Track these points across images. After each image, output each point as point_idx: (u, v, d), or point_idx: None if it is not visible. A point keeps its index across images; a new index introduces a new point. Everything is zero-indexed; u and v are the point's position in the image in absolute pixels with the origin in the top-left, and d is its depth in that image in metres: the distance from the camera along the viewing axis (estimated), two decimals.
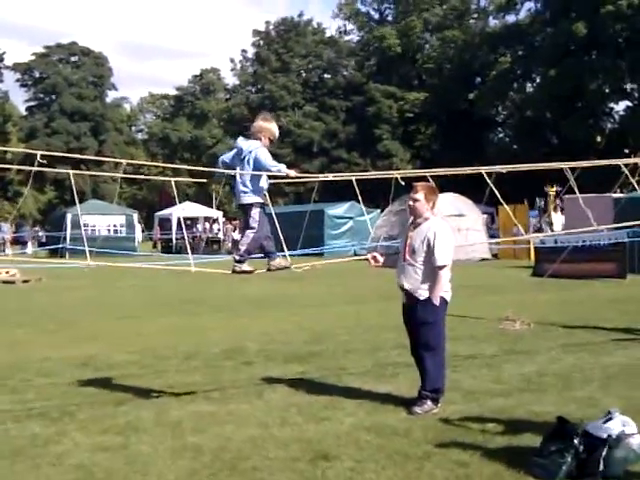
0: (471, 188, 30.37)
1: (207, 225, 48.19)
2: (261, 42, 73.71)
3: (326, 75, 72.89)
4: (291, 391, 7.85)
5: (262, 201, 7.36)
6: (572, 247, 18.32)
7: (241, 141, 7.47)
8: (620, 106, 55.25)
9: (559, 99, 49.95)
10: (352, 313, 14.32)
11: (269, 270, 7.54)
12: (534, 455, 5.32)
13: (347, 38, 73.69)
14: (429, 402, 6.99)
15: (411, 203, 7.15)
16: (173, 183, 7.45)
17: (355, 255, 29.67)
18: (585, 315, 12.95)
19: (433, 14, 64.55)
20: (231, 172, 7.40)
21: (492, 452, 5.68)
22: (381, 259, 7.57)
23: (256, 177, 7.27)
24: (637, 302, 14.55)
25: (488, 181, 7.87)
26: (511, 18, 59.24)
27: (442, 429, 6.35)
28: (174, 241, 43.98)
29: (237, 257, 7.40)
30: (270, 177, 7.41)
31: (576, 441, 5.09)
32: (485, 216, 32.95)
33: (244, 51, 76.62)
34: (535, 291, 17.22)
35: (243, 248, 7.35)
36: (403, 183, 7.87)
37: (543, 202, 34.59)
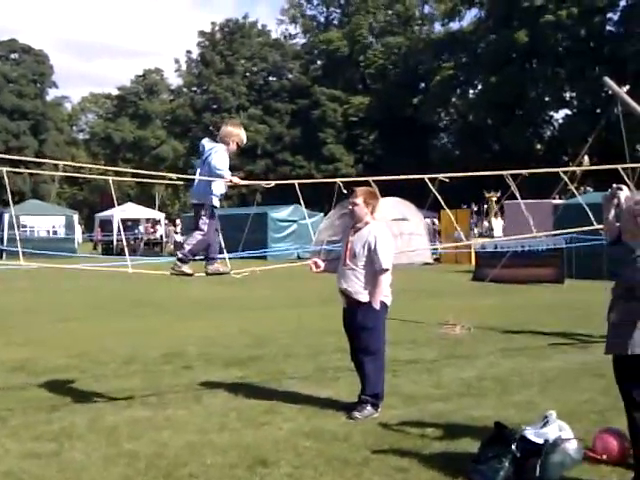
0: (413, 192, 30.64)
1: (149, 227, 47.66)
2: (206, 43, 73.27)
3: (271, 78, 72.77)
4: (231, 396, 7.76)
5: (215, 204, 7.26)
6: (512, 252, 18.55)
7: (206, 141, 7.38)
8: (560, 114, 56.37)
9: (500, 106, 50.72)
10: (294, 317, 14.26)
11: (207, 274, 7.44)
12: (472, 460, 5.33)
13: (293, 41, 73.79)
14: (369, 407, 6.97)
15: (351, 207, 7.16)
16: (111, 183, 7.26)
17: (299, 258, 29.66)
18: (524, 320, 13.10)
19: (378, 20, 64.96)
20: (188, 177, 7.37)
21: (431, 457, 5.68)
22: (322, 264, 7.55)
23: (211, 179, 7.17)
24: (574, 307, 14.78)
25: (431, 187, 7.90)
26: (455, 25, 60.01)
27: (382, 434, 6.33)
28: (115, 243, 43.38)
29: (180, 256, 7.27)
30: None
31: (513, 446, 5.11)
32: (428, 220, 33.23)
33: (189, 52, 76.13)
34: (475, 296, 17.39)
35: (188, 248, 7.23)
36: (345, 191, 7.86)
37: (485, 207, 35.08)
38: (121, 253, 37.61)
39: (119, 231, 42.33)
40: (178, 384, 8.34)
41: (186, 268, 7.24)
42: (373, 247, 6.98)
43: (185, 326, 13.13)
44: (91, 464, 5.65)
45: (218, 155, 7.11)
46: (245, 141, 7.47)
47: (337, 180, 7.87)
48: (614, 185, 5.48)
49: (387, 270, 7.03)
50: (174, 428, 6.58)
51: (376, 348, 7.11)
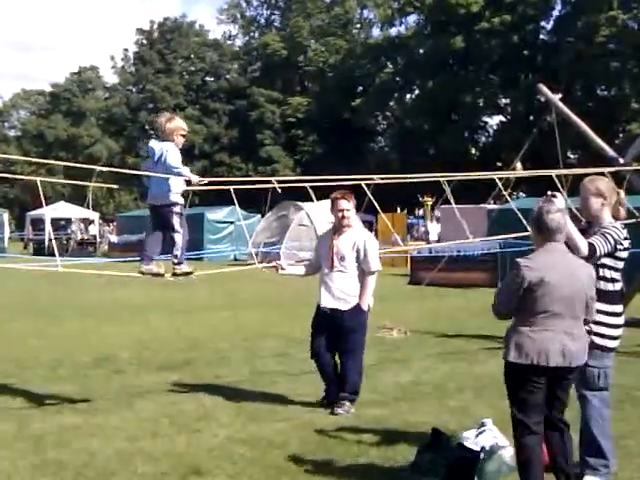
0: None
1: (82, 226, 46.77)
2: (144, 41, 72.35)
3: (209, 78, 72.24)
4: (163, 401, 7.58)
5: (181, 202, 7.16)
6: (447, 256, 18.69)
7: (153, 143, 7.26)
8: (494, 120, 57.26)
9: (437, 111, 51.30)
10: (230, 319, 14.11)
11: (174, 274, 7.34)
12: (410, 467, 5.29)
13: (231, 42, 73.38)
14: (348, 403, 7.20)
15: (346, 214, 7.28)
16: (39, 183, 7.01)
17: (235, 260, 29.44)
18: (459, 324, 13.20)
19: (318, 19, 65.05)
20: (141, 173, 7.27)
21: (368, 464, 5.62)
22: (286, 266, 7.88)
23: (171, 177, 7.04)
24: None
25: (367, 192, 7.86)
26: (393, 30, 60.47)
27: (319, 441, 6.24)
28: (47, 242, 42.43)
29: (175, 261, 7.20)
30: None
31: (450, 454, 5.09)
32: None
33: (125, 50, 75.05)
34: (412, 299, 17.47)
35: (179, 252, 7.15)
36: (280, 191, 7.77)
37: (421, 211, 35.38)
38: (52, 253, 36.89)
39: (52, 230, 41.41)
40: (109, 389, 8.13)
41: (185, 267, 7.24)
42: (363, 249, 7.21)
43: (117, 329, 12.85)
44: (17, 474, 5.44)
45: (171, 154, 7.02)
46: (186, 127, 7.39)
47: (272, 179, 7.76)
48: (549, 192, 5.51)
49: (376, 272, 7.31)
50: (104, 435, 6.38)
51: (359, 348, 7.36)
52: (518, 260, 4.80)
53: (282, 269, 7.67)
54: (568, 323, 4.70)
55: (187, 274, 7.26)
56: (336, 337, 7.35)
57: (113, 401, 7.60)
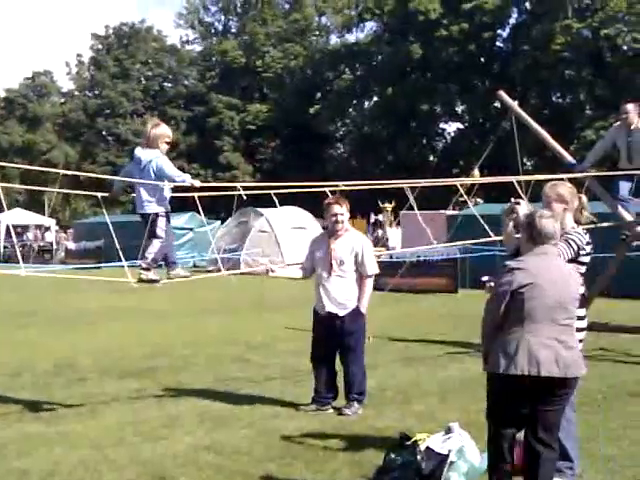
0: (310, 201, 30.75)
1: (38, 233, 46.13)
2: (99, 46, 71.63)
3: (167, 84, 71.76)
4: (127, 409, 7.53)
5: (167, 210, 7.27)
6: (409, 262, 18.79)
7: (139, 151, 7.31)
8: (452, 127, 57.74)
9: (395, 117, 51.54)
10: (192, 326, 14.02)
11: (169, 279, 7.47)
12: (377, 471, 5.31)
13: (190, 47, 72.99)
14: (356, 404, 7.35)
15: (339, 218, 7.37)
16: None
17: (195, 267, 29.24)
18: (421, 329, 13.27)
19: (277, 26, 65.01)
20: (133, 180, 7.24)
21: (335, 469, 5.63)
22: (275, 268, 8.32)
23: (159, 186, 7.11)
24: (469, 316, 15.00)
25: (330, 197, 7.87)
26: (352, 37, 60.70)
27: (284, 446, 6.24)
28: (1, 249, 41.76)
29: (144, 265, 7.24)
30: (176, 188, 7.32)
31: (419, 457, 5.12)
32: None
33: (79, 55, 74.14)
34: (375, 306, 17.39)
35: (150, 257, 7.23)
36: (245, 197, 7.78)
37: (380, 217, 35.51)
38: (8, 260, 36.30)
39: (6, 237, 40.83)
40: (71, 397, 8.03)
41: (152, 275, 7.26)
42: (361, 253, 7.33)
43: (77, 336, 12.71)
44: None
45: (163, 162, 7.12)
46: (171, 135, 7.50)
47: (237, 184, 7.75)
48: (512, 199, 5.59)
49: (373, 275, 7.43)
50: (67, 443, 6.31)
51: (360, 350, 7.55)
52: (508, 262, 4.74)
53: (272, 271, 7.97)
54: (559, 330, 4.59)
55: (153, 281, 7.25)
56: (337, 341, 7.47)
57: (75, 409, 7.51)
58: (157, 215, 7.19)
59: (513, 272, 4.61)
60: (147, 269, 7.25)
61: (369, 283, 7.47)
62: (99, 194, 7.35)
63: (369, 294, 7.50)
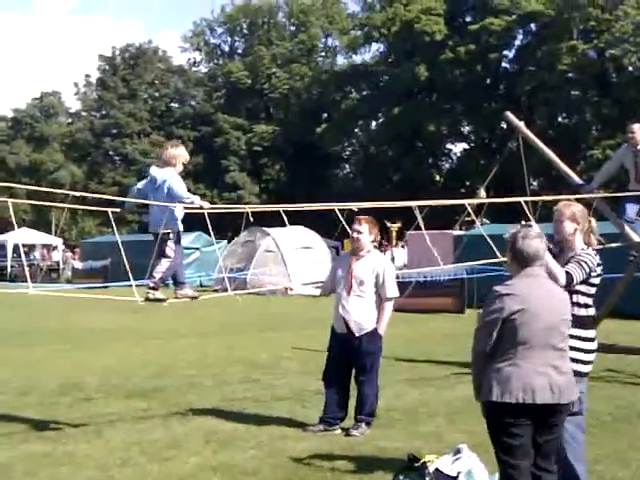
0: (316, 221, 30.80)
1: (45, 253, 46.21)
2: (107, 67, 72.07)
3: (174, 104, 72.10)
4: (133, 429, 7.50)
5: (178, 230, 7.35)
6: (415, 282, 18.77)
7: (154, 170, 7.44)
8: (458, 147, 57.81)
9: (401, 138, 51.66)
10: (198, 346, 13.99)
11: (176, 298, 7.54)
12: None
13: (196, 68, 73.37)
14: (364, 425, 7.33)
15: (355, 236, 7.42)
16: (10, 205, 6.96)
17: (201, 286, 29.23)
18: (428, 349, 13.22)
19: (283, 48, 65.36)
20: (144, 202, 7.37)
21: None
22: (294, 287, 8.39)
23: (173, 206, 7.20)
24: None
25: (340, 217, 7.91)
26: (358, 58, 60.95)
27: (292, 467, 6.20)
28: (9, 269, 41.84)
29: (151, 284, 7.32)
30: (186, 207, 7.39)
31: (427, 479, 5.08)
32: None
33: (87, 76, 74.60)
34: None
35: (158, 276, 7.31)
36: (252, 219, 7.80)
37: (386, 237, 35.50)
38: (15, 279, 36.37)
39: (14, 256, 40.96)
40: (77, 417, 8.01)
41: (159, 294, 7.34)
42: (382, 275, 7.34)
43: (83, 356, 12.70)
44: None
45: (176, 182, 7.23)
46: (188, 158, 7.65)
47: (246, 207, 7.79)
48: (523, 222, 5.57)
49: (393, 298, 7.43)
50: (73, 464, 6.29)
51: (375, 371, 7.52)
52: (497, 288, 4.55)
53: (291, 290, 8.09)
54: (552, 355, 4.47)
55: (160, 300, 7.28)
56: (352, 361, 7.46)
57: (81, 429, 7.49)
58: (168, 234, 7.25)
59: (502, 298, 4.46)
60: (154, 288, 7.31)
61: (389, 306, 7.45)
62: (109, 209, 7.37)
63: (388, 317, 7.48)
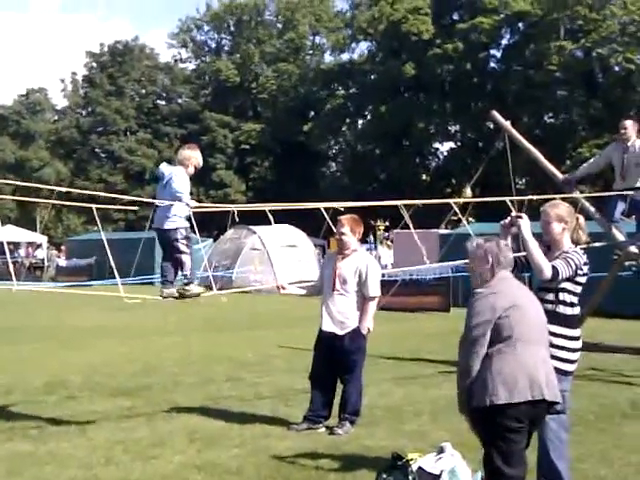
0: (302, 219, 30.78)
1: (30, 250, 45.99)
2: (94, 64, 71.73)
3: (160, 101, 71.84)
4: (117, 427, 7.47)
5: (186, 225, 7.38)
6: (400, 281, 18.80)
7: (163, 166, 7.55)
8: (445, 147, 57.90)
9: (388, 136, 51.68)
10: (183, 344, 13.96)
11: (163, 297, 7.54)
12: None
13: (183, 65, 73.16)
14: (348, 424, 7.32)
15: (338, 236, 7.50)
16: None
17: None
18: (413, 348, 13.25)
19: (270, 45, 65.30)
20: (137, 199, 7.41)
21: None
22: (287, 286, 8.13)
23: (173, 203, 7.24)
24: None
25: (325, 216, 7.89)
26: (345, 56, 60.98)
27: (275, 466, 6.19)
28: None
29: (185, 280, 7.41)
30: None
31: (410, 477, 5.09)
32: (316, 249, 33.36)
33: (74, 73, 74.23)
34: None
35: (187, 272, 7.37)
36: (237, 219, 7.79)
37: (372, 236, 35.55)
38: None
39: None
40: (61, 415, 7.97)
41: (195, 288, 7.43)
42: (365, 274, 7.34)
43: (68, 354, 12.64)
44: None
45: (178, 178, 7.27)
46: (202, 164, 7.71)
47: (232, 206, 7.77)
48: (513, 214, 5.57)
49: (376, 297, 7.42)
50: (57, 462, 6.26)
51: (359, 370, 7.54)
52: (479, 290, 4.53)
53: (283, 288, 7.95)
54: (544, 352, 4.51)
55: (195, 295, 7.42)
56: (336, 360, 7.46)
57: (65, 427, 7.45)
58: (176, 230, 7.30)
59: (488, 298, 4.44)
60: (188, 284, 7.40)
61: (371, 305, 7.46)
62: (94, 205, 7.32)
63: (371, 315, 7.48)
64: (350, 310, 7.40)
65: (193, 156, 7.53)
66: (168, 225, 7.28)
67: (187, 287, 7.41)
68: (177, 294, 7.52)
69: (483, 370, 4.38)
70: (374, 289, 7.43)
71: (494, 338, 4.40)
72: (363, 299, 7.42)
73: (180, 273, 7.49)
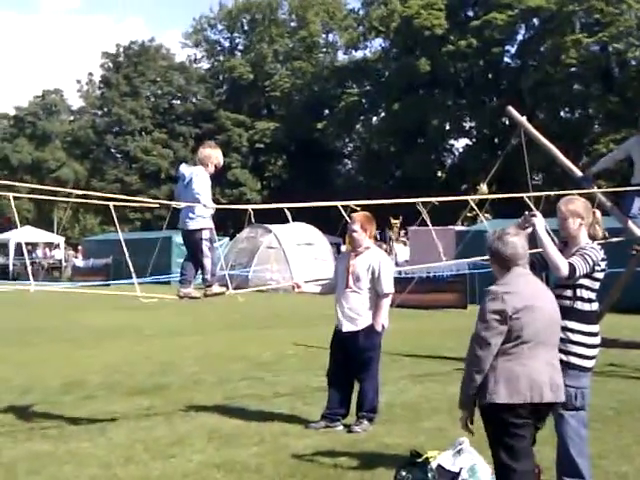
0: (318, 217, 30.79)
1: (47, 251, 46.27)
2: (110, 65, 72.03)
3: (176, 101, 72.04)
4: (136, 427, 7.49)
5: (210, 226, 7.38)
6: (417, 278, 18.76)
7: (183, 167, 7.56)
8: (460, 143, 57.69)
9: (402, 133, 51.55)
10: (200, 343, 14.00)
11: (180, 297, 7.62)
12: None
13: (197, 65, 73.32)
14: (366, 422, 7.32)
15: (349, 233, 7.52)
16: (12, 200, 6.93)
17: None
18: (431, 345, 13.22)
19: (283, 44, 65.33)
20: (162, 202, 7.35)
21: None
22: (302, 285, 8.20)
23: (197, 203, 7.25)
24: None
25: (343, 213, 7.91)
26: (359, 54, 60.91)
27: (294, 464, 6.19)
28: (11, 267, 41.87)
29: (207, 282, 7.45)
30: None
31: (430, 475, 5.07)
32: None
33: (90, 74, 74.59)
34: None
35: (209, 273, 7.42)
36: (253, 220, 7.81)
37: (388, 233, 35.50)
38: (17, 278, 36.44)
39: (16, 255, 41.02)
40: (80, 415, 7.99)
41: (216, 288, 7.48)
42: (377, 271, 7.34)
43: (85, 354, 12.69)
44: None
45: (199, 179, 7.26)
46: (222, 162, 7.66)
47: (249, 206, 7.79)
48: (527, 212, 5.53)
49: (389, 294, 7.40)
50: (76, 462, 6.28)
51: (374, 367, 7.52)
52: (493, 288, 4.45)
53: (298, 287, 8.03)
54: (552, 353, 4.47)
55: (218, 294, 7.48)
56: (351, 357, 7.46)
57: (84, 427, 7.48)
58: (200, 231, 7.31)
59: (503, 297, 4.36)
60: (210, 285, 7.45)
61: (385, 302, 7.43)
62: (111, 203, 7.30)
63: (385, 312, 7.46)
64: (363, 307, 7.39)
65: (214, 155, 7.50)
66: (192, 225, 7.29)
67: (208, 289, 7.46)
68: (197, 295, 7.55)
69: (488, 369, 4.38)
70: (387, 286, 7.41)
71: (503, 338, 4.37)
72: (377, 296, 7.41)
73: (200, 275, 7.51)
